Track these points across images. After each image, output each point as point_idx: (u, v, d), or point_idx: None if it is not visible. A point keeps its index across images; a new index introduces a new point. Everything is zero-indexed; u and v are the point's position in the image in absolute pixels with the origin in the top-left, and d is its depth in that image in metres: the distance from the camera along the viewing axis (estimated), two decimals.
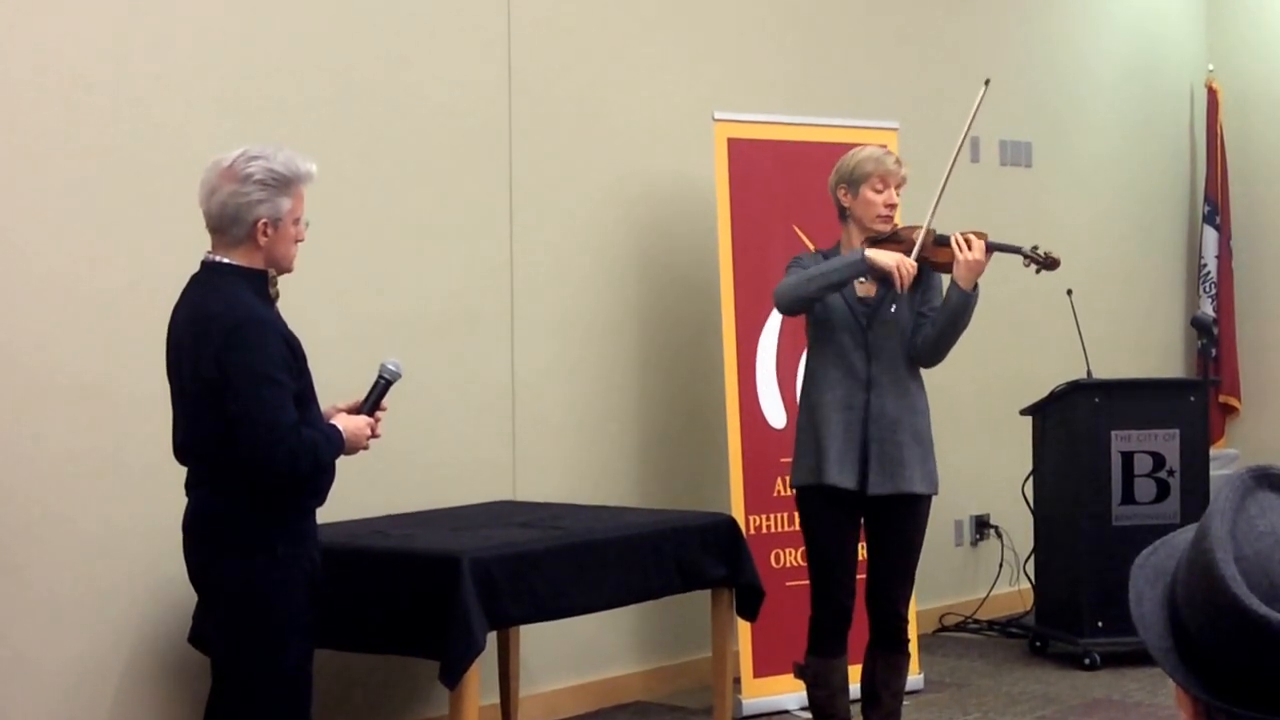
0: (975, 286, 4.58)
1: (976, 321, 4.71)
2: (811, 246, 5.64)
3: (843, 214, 4.72)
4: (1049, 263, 4.75)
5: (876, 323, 4.63)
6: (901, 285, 4.50)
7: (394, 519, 4.93)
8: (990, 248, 4.60)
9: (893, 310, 4.60)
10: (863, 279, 4.65)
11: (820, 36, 6.74)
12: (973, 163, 7.41)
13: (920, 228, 4.64)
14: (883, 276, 4.56)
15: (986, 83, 4.71)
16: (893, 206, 4.66)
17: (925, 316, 4.67)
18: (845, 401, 4.60)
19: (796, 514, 4.90)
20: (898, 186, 4.67)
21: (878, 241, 4.67)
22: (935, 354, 4.68)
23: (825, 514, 4.67)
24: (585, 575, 4.54)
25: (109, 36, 4.57)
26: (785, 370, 5.83)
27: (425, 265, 5.34)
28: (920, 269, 4.61)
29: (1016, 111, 7.62)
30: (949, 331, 4.62)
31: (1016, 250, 4.71)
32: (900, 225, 4.71)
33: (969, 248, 4.55)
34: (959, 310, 4.58)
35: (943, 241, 4.63)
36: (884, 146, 4.84)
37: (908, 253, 4.59)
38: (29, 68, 4.41)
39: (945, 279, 4.71)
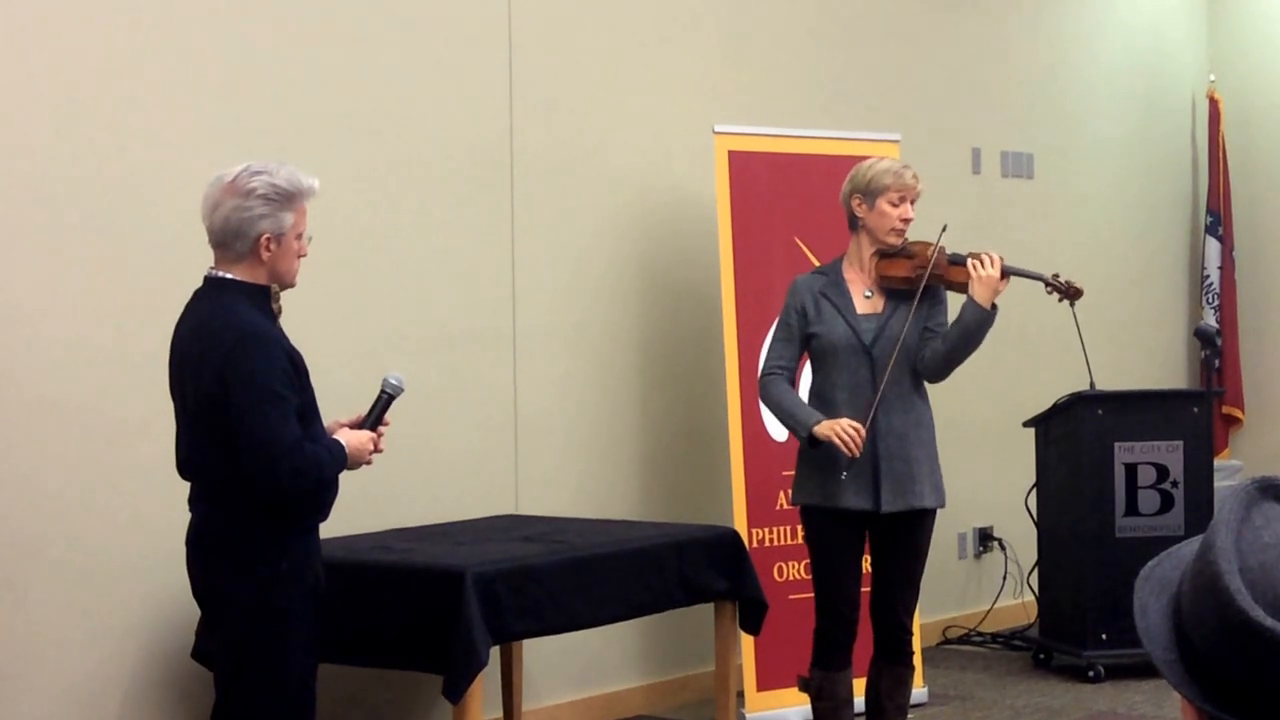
0: (994, 306, 4.57)
1: None
2: (813, 259, 5.65)
3: (854, 224, 4.71)
4: (1071, 292, 4.76)
5: (881, 339, 4.62)
6: (851, 453, 4.49)
7: (397, 533, 4.93)
8: (1011, 272, 4.61)
9: (843, 477, 4.56)
10: (868, 294, 4.67)
11: (821, 48, 6.74)
12: (974, 174, 7.42)
13: (931, 244, 4.65)
14: (894, 288, 4.61)
15: (944, 228, 4.68)
16: (907, 221, 4.65)
17: (933, 332, 4.67)
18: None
19: (800, 528, 4.90)
20: (913, 201, 4.67)
21: (888, 255, 4.67)
22: (943, 370, 4.68)
23: (833, 531, 4.66)
24: (588, 589, 4.53)
25: (108, 55, 4.57)
26: None
27: (428, 280, 5.34)
28: (931, 286, 4.62)
29: (1018, 123, 7.62)
30: (960, 347, 4.62)
31: (1038, 278, 4.72)
32: (910, 240, 4.70)
33: (985, 265, 4.55)
34: (973, 327, 4.57)
35: (956, 260, 4.63)
36: (899, 160, 4.82)
37: (921, 267, 4.60)
38: (26, 83, 4.42)
39: (952, 297, 4.71)
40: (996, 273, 4.55)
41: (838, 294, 4.68)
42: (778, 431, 5.83)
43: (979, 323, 4.57)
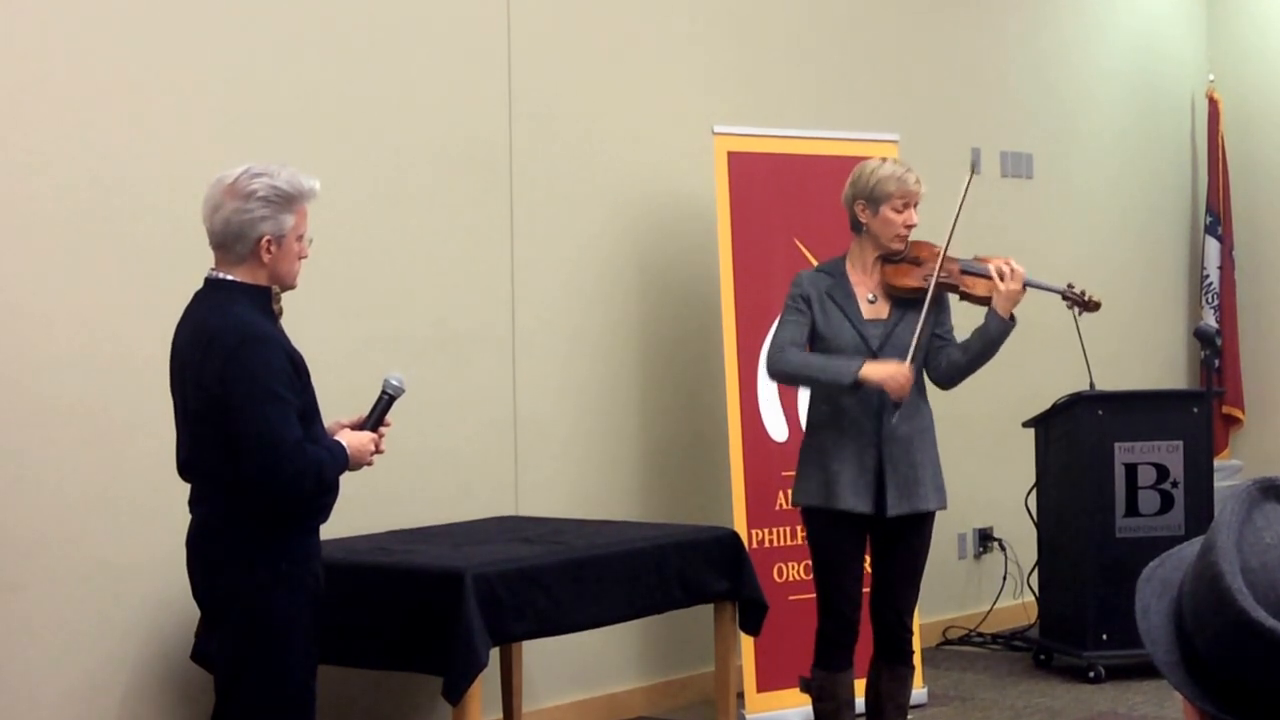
0: (1012, 316, 4.60)
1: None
2: (813, 260, 5.64)
3: (857, 227, 4.70)
4: (1088, 305, 4.77)
5: (887, 346, 4.62)
6: (900, 396, 4.50)
7: (397, 535, 4.93)
8: (1028, 284, 4.63)
9: (894, 421, 4.57)
10: (871, 299, 4.66)
11: (820, 48, 6.74)
12: (974, 174, 7.40)
13: (934, 246, 4.65)
14: (902, 297, 4.57)
15: (973, 170, 4.69)
16: (911, 226, 4.65)
17: (943, 339, 4.68)
18: (857, 426, 4.59)
19: (801, 529, 4.89)
20: (915, 205, 4.67)
21: (892, 261, 4.66)
22: (959, 378, 4.72)
23: (835, 532, 4.66)
24: (588, 590, 4.53)
25: (107, 55, 4.57)
26: None
27: (428, 282, 5.34)
28: (940, 295, 4.62)
29: (1018, 123, 7.62)
30: (981, 358, 4.66)
31: (1055, 290, 4.72)
32: (911, 241, 4.70)
33: (1009, 278, 4.55)
34: (997, 338, 4.61)
35: (968, 269, 4.64)
36: (901, 163, 4.78)
37: (928, 275, 4.60)
38: (26, 85, 4.42)
39: (955, 302, 4.72)
40: (1019, 286, 4.57)
41: (844, 297, 4.66)
42: (778, 432, 5.83)
43: (1002, 334, 4.60)
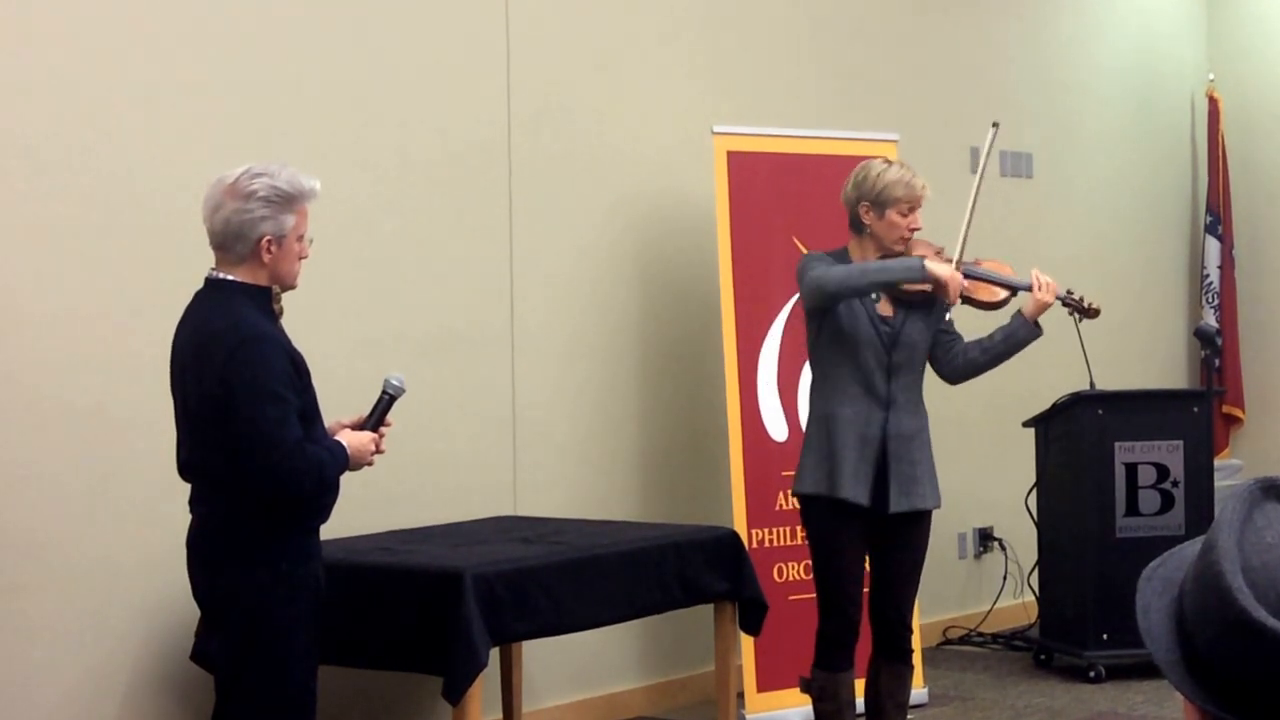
0: (1037, 323, 4.71)
1: (979, 333, 4.77)
2: None
3: (858, 227, 4.70)
4: (1087, 311, 4.84)
5: (899, 342, 4.63)
6: (952, 299, 4.58)
7: (396, 535, 4.93)
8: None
9: (947, 318, 4.68)
10: (875, 297, 4.67)
11: (820, 49, 6.74)
12: (973, 174, 7.39)
13: (934, 245, 4.67)
14: (935, 283, 4.57)
15: (995, 125, 4.74)
16: (915, 230, 4.67)
17: (949, 334, 4.74)
18: (864, 418, 4.60)
19: (802, 526, 4.89)
20: (919, 208, 4.69)
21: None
22: (974, 375, 4.80)
23: (835, 527, 4.66)
24: (588, 590, 4.53)
25: (108, 56, 4.57)
26: (786, 383, 5.82)
27: (427, 282, 5.34)
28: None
29: (1018, 122, 7.61)
30: (1001, 359, 4.75)
31: (1056, 297, 4.77)
32: (911, 240, 4.70)
33: (1046, 290, 4.66)
34: (1022, 344, 4.72)
35: (970, 274, 4.71)
36: (907, 166, 4.76)
37: None
38: (25, 84, 4.42)
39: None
40: (1052, 298, 4.68)
41: None
42: (777, 432, 5.83)
43: (1028, 341, 4.71)
